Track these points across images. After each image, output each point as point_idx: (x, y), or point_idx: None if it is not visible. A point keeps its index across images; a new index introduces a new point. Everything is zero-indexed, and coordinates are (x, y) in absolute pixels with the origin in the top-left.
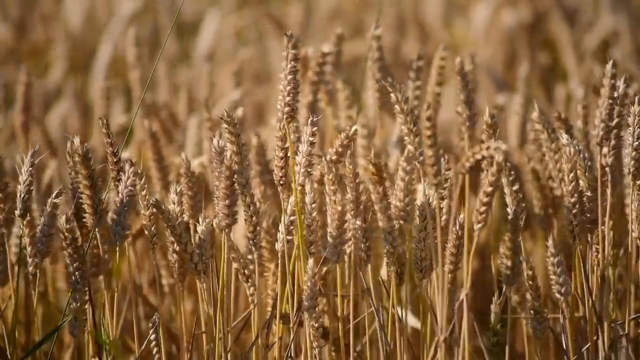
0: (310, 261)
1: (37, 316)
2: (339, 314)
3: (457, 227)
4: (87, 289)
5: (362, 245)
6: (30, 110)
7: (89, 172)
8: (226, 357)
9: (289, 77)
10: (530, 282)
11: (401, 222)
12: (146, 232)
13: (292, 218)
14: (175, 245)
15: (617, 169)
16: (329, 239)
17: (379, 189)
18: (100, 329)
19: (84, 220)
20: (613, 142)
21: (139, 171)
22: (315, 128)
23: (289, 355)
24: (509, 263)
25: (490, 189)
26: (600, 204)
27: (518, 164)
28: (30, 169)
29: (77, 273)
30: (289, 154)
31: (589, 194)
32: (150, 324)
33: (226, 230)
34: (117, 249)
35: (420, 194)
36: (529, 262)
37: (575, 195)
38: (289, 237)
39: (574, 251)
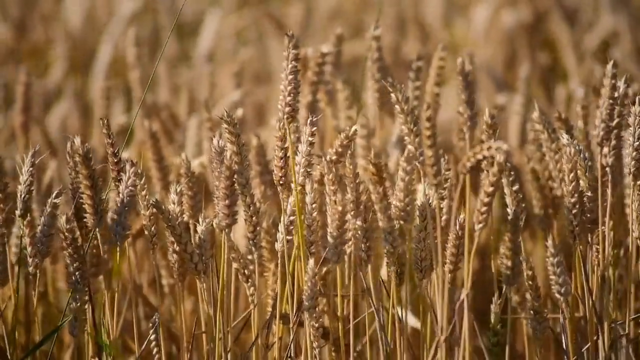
0: (311, 261)
1: (37, 316)
2: (339, 314)
3: (457, 227)
4: (87, 289)
5: (363, 246)
6: (30, 110)
7: (89, 172)
8: (226, 357)
9: (290, 77)
10: (530, 282)
11: (401, 222)
12: (146, 232)
13: (291, 218)
14: (175, 245)
15: (617, 169)
16: (330, 239)
17: (379, 189)
18: (100, 329)
19: (84, 220)
20: (613, 142)
21: (139, 171)
22: (315, 128)
23: (288, 355)
24: (509, 263)
25: (491, 189)
26: (600, 204)
27: (517, 164)
28: (31, 169)
29: (77, 273)
30: (288, 154)
31: (589, 194)
32: (150, 324)
33: (226, 230)
34: (118, 249)
35: (421, 194)
36: (528, 262)
37: (576, 195)
38: (288, 237)
39: (574, 251)
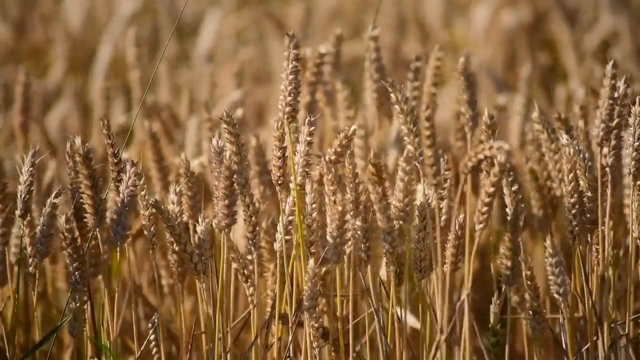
0: (311, 261)
1: (36, 316)
2: (338, 314)
3: (457, 227)
4: (86, 289)
5: (362, 246)
6: (29, 110)
7: (90, 172)
8: (225, 357)
9: (290, 77)
10: (529, 283)
11: (401, 222)
12: (146, 232)
13: (290, 218)
14: (174, 245)
15: (617, 170)
16: (329, 239)
17: (378, 189)
18: (99, 329)
19: (84, 220)
20: (613, 142)
21: (139, 171)
22: (313, 128)
23: (287, 355)
24: (509, 263)
25: (492, 189)
26: (600, 204)
27: (516, 164)
28: (31, 169)
29: (76, 273)
30: (286, 154)
31: (589, 194)
32: (150, 324)
33: (225, 230)
34: (118, 249)
35: (420, 194)
36: (527, 262)
37: (575, 195)
38: (287, 237)
39: (573, 251)
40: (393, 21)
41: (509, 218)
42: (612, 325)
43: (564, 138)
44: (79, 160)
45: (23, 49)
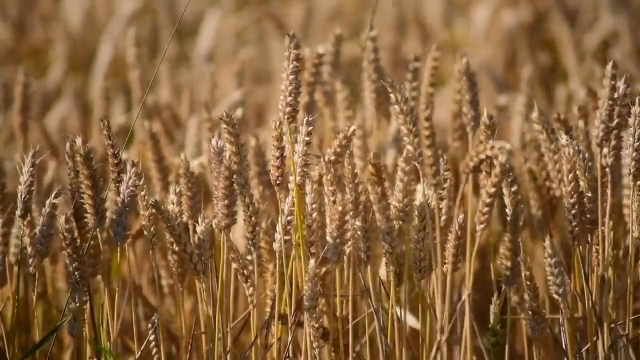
0: (312, 261)
1: (36, 316)
2: (338, 314)
3: (457, 227)
4: (86, 289)
5: (362, 246)
6: (29, 110)
7: (90, 172)
8: (225, 357)
9: (291, 77)
10: (528, 283)
11: (400, 222)
12: (146, 233)
13: (289, 218)
14: (174, 245)
15: (617, 170)
16: (329, 239)
17: (377, 190)
18: (99, 329)
19: (84, 220)
20: (613, 142)
21: (139, 172)
22: (311, 128)
23: (287, 355)
24: (509, 263)
25: (493, 189)
26: (600, 204)
27: (515, 164)
28: (31, 169)
29: (76, 273)
30: (284, 154)
31: (589, 194)
32: (150, 324)
33: (225, 230)
34: (118, 249)
35: (420, 194)
36: (526, 262)
37: (575, 195)
38: (286, 237)
39: (573, 252)
40: (393, 21)
41: (508, 218)
42: (612, 325)
43: (563, 138)
44: (79, 161)
45: (23, 49)
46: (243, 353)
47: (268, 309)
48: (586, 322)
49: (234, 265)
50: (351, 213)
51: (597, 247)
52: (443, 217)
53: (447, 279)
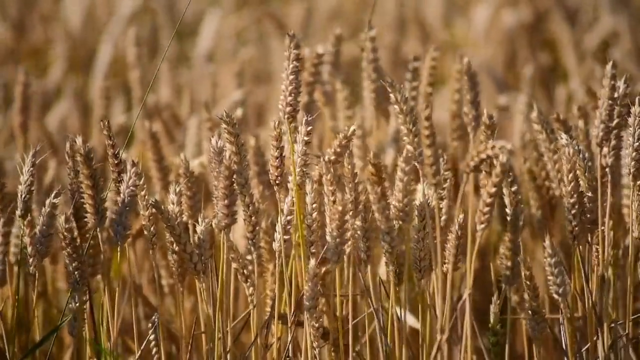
0: (312, 261)
1: (36, 316)
2: (337, 314)
3: (457, 227)
4: (86, 288)
5: (362, 246)
6: (29, 110)
7: (90, 172)
8: (225, 357)
9: (291, 76)
10: (528, 282)
11: (400, 222)
12: (146, 232)
13: (289, 218)
14: (174, 245)
15: (616, 170)
16: (329, 239)
17: (377, 189)
18: (99, 329)
19: (84, 220)
20: (613, 142)
21: (139, 171)
22: (310, 127)
23: (287, 355)
24: (509, 263)
25: (493, 189)
26: (600, 204)
27: (514, 164)
28: (31, 169)
29: (76, 273)
30: (284, 154)
31: (589, 194)
32: (150, 324)
33: (225, 230)
34: (118, 248)
35: (420, 194)
36: (526, 262)
37: (575, 195)
38: (285, 237)
39: (573, 252)
40: (393, 21)
41: (508, 218)
42: (612, 325)
43: (563, 138)
44: (79, 160)
45: (23, 49)
46: (243, 353)
47: (268, 309)
48: (586, 322)
49: (234, 265)
50: (351, 213)
51: (597, 247)
52: (443, 217)
53: (447, 278)
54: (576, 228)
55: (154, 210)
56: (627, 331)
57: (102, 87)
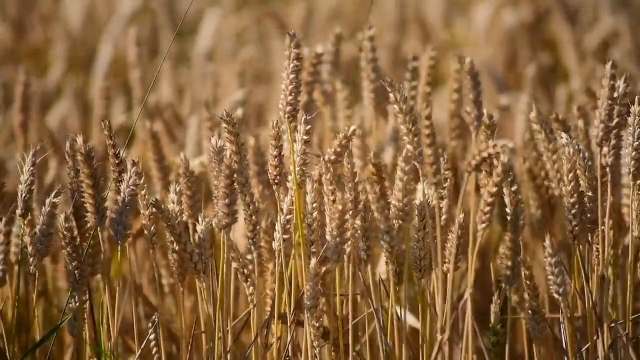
0: (313, 260)
1: (37, 316)
2: (337, 313)
3: (457, 226)
4: (86, 288)
5: (362, 245)
6: (29, 110)
7: (91, 172)
8: (225, 356)
9: (291, 76)
10: (528, 282)
11: (400, 222)
12: (146, 232)
13: (288, 217)
14: (174, 244)
15: (616, 170)
16: (329, 238)
17: (376, 189)
18: (99, 329)
19: (84, 219)
20: (613, 142)
21: (140, 171)
22: (310, 127)
23: (286, 355)
24: (509, 263)
25: (494, 189)
26: (600, 204)
27: (514, 164)
28: (32, 168)
29: (76, 272)
30: (283, 153)
31: (589, 194)
32: (150, 324)
33: (226, 229)
34: (119, 248)
35: (420, 193)
36: (526, 261)
37: (575, 195)
38: (285, 236)
39: (573, 251)
40: (394, 21)
41: (509, 218)
42: (612, 325)
43: (563, 137)
44: (80, 160)
45: (23, 49)
46: (243, 352)
47: (268, 309)
48: (586, 322)
49: (234, 265)
50: (351, 212)
51: (597, 247)
52: (443, 217)
53: (447, 278)
54: (576, 228)
55: (154, 209)
56: (627, 331)
57: (102, 87)
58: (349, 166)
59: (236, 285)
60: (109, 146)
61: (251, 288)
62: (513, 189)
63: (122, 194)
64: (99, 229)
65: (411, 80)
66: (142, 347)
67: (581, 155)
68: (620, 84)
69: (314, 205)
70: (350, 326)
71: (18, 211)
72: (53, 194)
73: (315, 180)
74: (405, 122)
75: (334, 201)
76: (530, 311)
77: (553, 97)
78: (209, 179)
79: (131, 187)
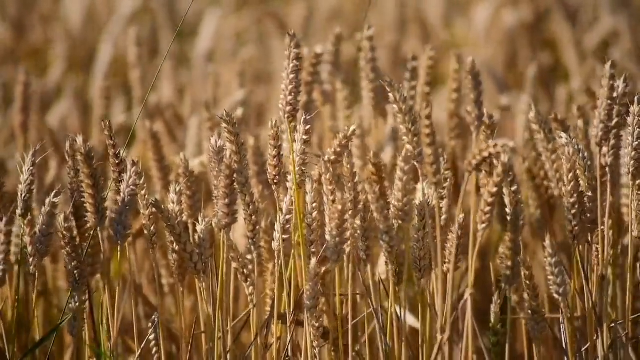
0: (313, 260)
1: (36, 316)
2: (337, 313)
3: (457, 227)
4: (85, 288)
5: (361, 245)
6: (29, 110)
7: (91, 172)
8: (225, 356)
9: (291, 76)
10: (528, 282)
11: (400, 222)
12: (146, 232)
13: (287, 217)
14: (174, 244)
15: (616, 170)
16: (329, 238)
17: (375, 189)
18: (99, 329)
19: (84, 219)
20: (612, 142)
21: (140, 171)
22: (309, 127)
23: (286, 355)
24: (509, 263)
25: (495, 189)
26: (600, 204)
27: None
28: (31, 168)
29: (75, 272)
30: (282, 153)
31: (589, 194)
32: (150, 324)
33: (225, 229)
34: (119, 248)
35: (420, 193)
36: (525, 261)
37: (575, 195)
38: (284, 237)
39: (573, 251)
40: (394, 21)
41: (509, 218)
42: (612, 325)
43: (563, 137)
44: (80, 160)
45: (23, 49)
46: (243, 353)
47: (268, 309)
48: (586, 322)
49: (234, 265)
50: (350, 212)
51: (597, 247)
52: (443, 217)
53: (447, 278)
54: (576, 228)
55: (154, 209)
56: (626, 331)
57: (102, 86)
58: (348, 166)
59: (236, 286)
60: (109, 146)
61: (251, 288)
62: (513, 189)
63: (122, 194)
64: (98, 229)
65: (410, 80)
66: (142, 347)
67: (581, 155)
68: (619, 83)
69: (314, 205)
70: (350, 326)
71: (18, 211)
72: (53, 194)
73: (315, 180)
74: (405, 122)
75: (333, 201)
76: (530, 311)
77: (553, 97)
78: (209, 179)
79: (131, 187)
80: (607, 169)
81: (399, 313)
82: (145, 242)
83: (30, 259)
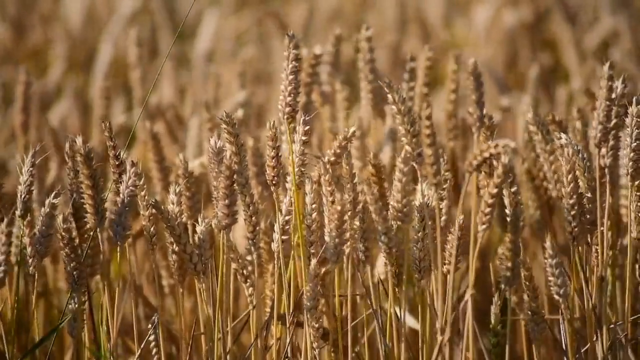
0: (313, 261)
1: (36, 316)
2: (337, 314)
3: (457, 227)
4: (85, 289)
5: (361, 246)
6: (30, 110)
7: (91, 172)
8: (225, 357)
9: (290, 77)
10: (527, 283)
11: (399, 222)
12: (146, 233)
13: (287, 218)
14: (174, 245)
15: (614, 171)
16: (328, 239)
17: (374, 190)
18: (99, 330)
19: (83, 220)
20: (611, 143)
21: (139, 172)
22: (308, 127)
23: (285, 355)
24: (509, 264)
25: (495, 190)
26: (599, 205)
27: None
28: (31, 169)
29: (74, 273)
30: (280, 154)
31: (588, 195)
32: (150, 324)
33: (225, 230)
34: (118, 249)
35: (419, 194)
36: (525, 262)
37: (574, 196)
38: (284, 237)
39: (572, 252)
40: (394, 21)
41: (509, 219)
42: (612, 326)
43: (562, 138)
44: (79, 160)
45: (23, 49)
46: (243, 353)
47: (267, 309)
48: (585, 323)
49: (233, 266)
50: (349, 213)
51: (597, 248)
52: (443, 218)
53: (447, 279)
54: (575, 229)
55: (154, 210)
56: (626, 332)
57: (102, 87)
58: (347, 167)
59: (236, 286)
60: (109, 147)
61: (251, 289)
62: (513, 190)
63: (121, 195)
64: (98, 229)
65: (409, 80)
66: (141, 348)
67: (580, 156)
68: (618, 84)
69: (313, 206)
70: (349, 327)
71: (17, 212)
72: (52, 195)
73: (314, 181)
74: (404, 123)
75: (333, 202)
76: (530, 312)
77: (553, 98)
78: (209, 179)
79: (130, 187)
80: (606, 170)
81: (398, 314)
82: (145, 243)
83: (30, 260)
